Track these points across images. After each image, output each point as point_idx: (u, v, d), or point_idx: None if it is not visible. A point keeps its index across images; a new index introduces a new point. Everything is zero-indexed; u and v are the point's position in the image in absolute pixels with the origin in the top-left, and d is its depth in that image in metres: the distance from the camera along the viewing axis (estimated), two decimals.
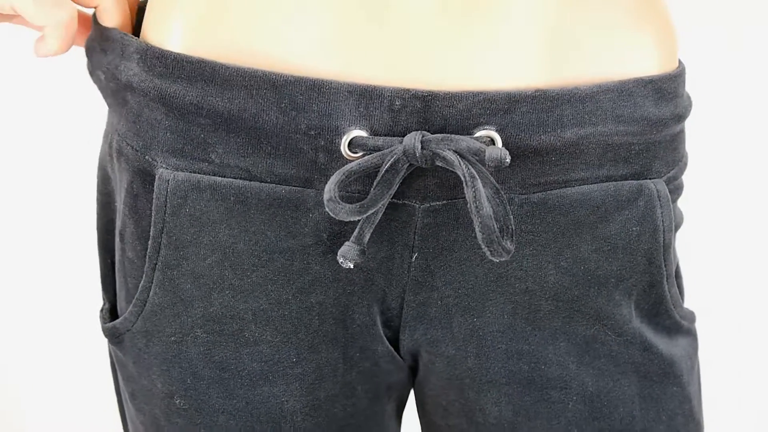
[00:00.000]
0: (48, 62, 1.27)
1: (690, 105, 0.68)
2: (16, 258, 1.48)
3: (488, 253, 0.55)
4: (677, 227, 0.70)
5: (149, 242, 0.62)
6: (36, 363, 1.55)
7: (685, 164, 0.69)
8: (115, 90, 0.64)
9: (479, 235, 0.54)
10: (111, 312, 0.70)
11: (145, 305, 0.64)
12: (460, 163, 0.54)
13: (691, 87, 0.71)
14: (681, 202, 0.72)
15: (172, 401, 0.66)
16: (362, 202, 0.56)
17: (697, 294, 1.00)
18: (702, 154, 1.15)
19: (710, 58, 1.32)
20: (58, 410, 1.58)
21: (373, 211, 0.56)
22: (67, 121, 1.40)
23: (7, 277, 1.51)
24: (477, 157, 0.55)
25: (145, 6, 0.67)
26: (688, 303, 0.75)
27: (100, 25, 0.64)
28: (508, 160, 0.53)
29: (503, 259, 0.55)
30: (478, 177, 0.55)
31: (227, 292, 0.61)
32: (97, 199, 0.71)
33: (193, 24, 0.60)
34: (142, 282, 0.64)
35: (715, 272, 1.43)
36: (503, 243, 0.55)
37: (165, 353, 0.64)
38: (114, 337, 0.68)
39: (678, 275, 0.72)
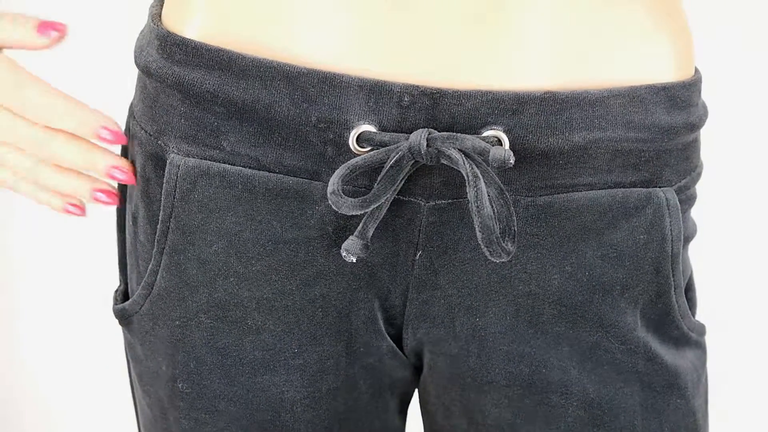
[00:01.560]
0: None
1: (705, 114, 0.67)
2: (34, 240, 1.50)
3: (487, 254, 0.55)
4: (689, 238, 0.69)
5: (158, 226, 0.63)
6: (52, 348, 1.57)
7: (699, 174, 0.69)
8: (138, 75, 0.65)
9: (479, 235, 0.55)
10: (124, 293, 0.72)
11: (152, 288, 0.65)
12: (464, 162, 0.54)
13: (708, 93, 0.70)
14: (696, 212, 0.71)
15: (175, 385, 0.67)
16: (365, 196, 0.56)
17: (712, 306, 0.99)
18: (718, 162, 1.14)
19: (728, 63, 1.31)
20: (73, 394, 1.59)
21: (375, 206, 0.57)
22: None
23: (27, 256, 1.53)
24: (482, 157, 0.55)
25: None
26: (702, 314, 0.74)
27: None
28: (512, 161, 0.53)
29: (503, 260, 0.55)
30: (481, 177, 0.55)
31: (231, 279, 0.62)
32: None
33: (210, 12, 0.60)
34: (150, 265, 0.65)
35: (731, 283, 1.42)
36: (503, 244, 0.55)
37: (170, 337, 0.65)
38: (123, 318, 0.69)
39: (691, 287, 0.71)
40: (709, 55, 0.97)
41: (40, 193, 0.66)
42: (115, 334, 0.80)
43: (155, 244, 0.63)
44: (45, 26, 0.62)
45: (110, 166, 0.64)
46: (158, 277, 0.64)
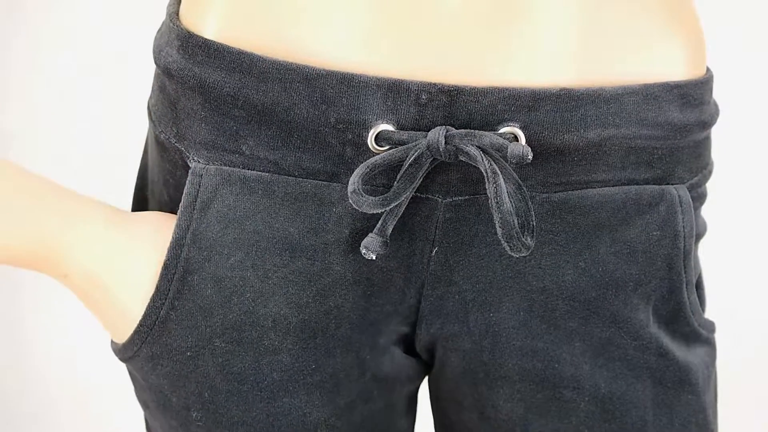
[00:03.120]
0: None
1: (717, 113, 0.68)
2: None
3: (508, 249, 0.55)
4: (700, 236, 0.70)
5: (168, 247, 0.61)
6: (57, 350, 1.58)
7: (710, 172, 0.69)
8: (156, 74, 0.65)
9: (499, 231, 0.55)
10: None
11: (152, 329, 0.62)
12: (482, 159, 0.55)
13: (716, 92, 0.71)
14: (705, 211, 0.72)
15: (189, 414, 0.65)
16: (385, 195, 0.56)
17: (719, 304, 1.00)
18: (727, 161, 1.14)
19: (737, 63, 1.31)
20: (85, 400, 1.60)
21: (395, 204, 0.57)
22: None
23: None
24: (500, 153, 0.55)
25: None
26: (710, 313, 0.75)
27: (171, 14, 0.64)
28: (530, 157, 0.53)
29: (523, 254, 0.56)
30: (500, 173, 0.55)
31: (248, 295, 0.61)
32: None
33: (228, 13, 0.60)
34: (148, 303, 0.61)
35: (738, 282, 1.42)
36: (523, 239, 0.55)
37: (179, 371, 0.63)
38: (125, 358, 0.66)
39: (700, 286, 0.72)
40: (717, 54, 0.97)
41: None
42: None
43: (164, 270, 0.60)
44: None
45: None
46: (161, 313, 0.61)
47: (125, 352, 0.64)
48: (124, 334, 0.63)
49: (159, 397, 0.66)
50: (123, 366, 0.71)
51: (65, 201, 0.62)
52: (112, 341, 0.67)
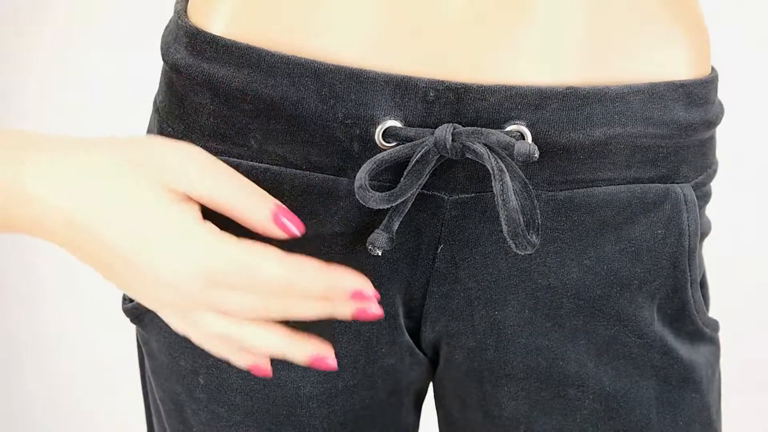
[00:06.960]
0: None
1: (722, 112, 0.68)
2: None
3: (513, 246, 0.56)
4: (704, 235, 0.70)
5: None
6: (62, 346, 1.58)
7: (715, 171, 0.69)
8: (164, 70, 0.65)
9: (505, 228, 0.55)
10: None
11: None
12: (489, 157, 0.55)
13: (721, 92, 0.71)
14: (709, 210, 0.72)
15: (196, 378, 0.67)
16: (392, 191, 0.57)
17: (723, 303, 1.00)
18: (731, 161, 1.14)
19: (742, 63, 1.31)
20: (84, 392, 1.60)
21: (402, 200, 0.57)
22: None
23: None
24: (506, 151, 0.55)
25: None
26: (713, 312, 0.75)
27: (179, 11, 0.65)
28: (537, 155, 0.54)
29: (528, 252, 0.56)
30: (506, 171, 0.56)
31: None
32: None
33: (237, 8, 0.61)
34: None
35: (742, 281, 1.42)
36: (528, 236, 0.56)
37: None
38: (135, 317, 0.69)
39: (704, 284, 0.72)
40: (721, 54, 0.97)
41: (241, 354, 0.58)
42: (123, 330, 0.80)
43: None
44: (282, 219, 0.55)
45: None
46: None
47: (141, 306, 0.66)
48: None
49: (168, 360, 0.68)
50: (120, 362, 0.72)
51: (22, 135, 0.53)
52: (124, 301, 0.69)
